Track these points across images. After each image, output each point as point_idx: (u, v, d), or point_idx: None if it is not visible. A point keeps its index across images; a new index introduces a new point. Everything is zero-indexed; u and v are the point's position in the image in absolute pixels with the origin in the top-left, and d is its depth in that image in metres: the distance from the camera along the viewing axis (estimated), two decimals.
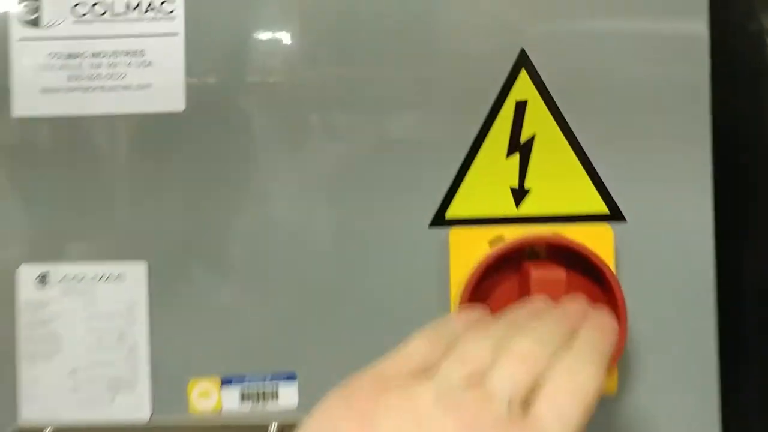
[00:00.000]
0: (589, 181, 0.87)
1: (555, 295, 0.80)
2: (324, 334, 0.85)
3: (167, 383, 0.83)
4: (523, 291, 0.85)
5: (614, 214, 0.88)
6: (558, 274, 0.81)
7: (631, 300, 0.80)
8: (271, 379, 0.82)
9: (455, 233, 0.88)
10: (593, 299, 0.84)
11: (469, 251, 0.88)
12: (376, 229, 0.90)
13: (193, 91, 0.83)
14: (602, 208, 0.87)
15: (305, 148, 0.89)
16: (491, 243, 0.88)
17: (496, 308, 0.86)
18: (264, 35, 0.83)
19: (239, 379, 0.81)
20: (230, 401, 0.80)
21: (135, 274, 0.85)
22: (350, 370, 0.55)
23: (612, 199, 0.86)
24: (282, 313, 0.84)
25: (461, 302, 0.83)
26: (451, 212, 0.86)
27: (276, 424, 0.82)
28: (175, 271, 0.88)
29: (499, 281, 0.87)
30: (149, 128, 0.87)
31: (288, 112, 0.86)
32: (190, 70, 0.83)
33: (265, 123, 0.85)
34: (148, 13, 0.82)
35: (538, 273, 0.80)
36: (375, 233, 0.90)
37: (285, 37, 0.82)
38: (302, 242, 0.90)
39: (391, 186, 0.90)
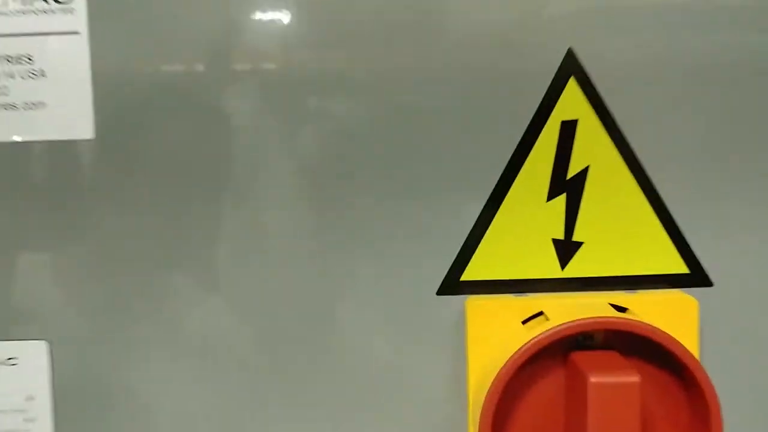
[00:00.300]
0: (664, 231, 0.68)
1: (623, 408, 0.55)
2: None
3: None
4: (573, 394, 0.59)
5: (697, 276, 0.68)
6: (627, 377, 0.55)
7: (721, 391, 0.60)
8: None
9: (474, 304, 0.63)
10: (667, 394, 0.62)
11: (493, 330, 0.64)
12: (364, 296, 0.68)
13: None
14: (681, 268, 0.68)
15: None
16: (527, 322, 0.62)
17: (532, 412, 0.62)
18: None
19: None
20: None
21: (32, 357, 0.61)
22: None
23: (694, 255, 0.68)
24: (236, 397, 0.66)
25: (485, 412, 0.57)
26: (470, 274, 0.67)
27: None
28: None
29: (535, 373, 0.62)
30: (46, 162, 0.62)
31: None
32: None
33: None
34: (38, 2, 0.57)
35: (599, 380, 0.55)
36: (362, 301, 0.68)
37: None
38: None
39: (387, 238, 0.65)
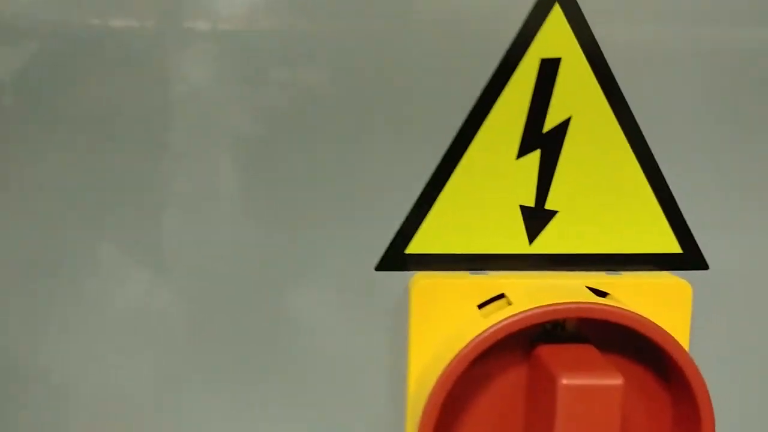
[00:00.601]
0: (656, 202, 0.56)
1: (600, 417, 0.43)
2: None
3: None
4: (537, 397, 0.48)
5: (691, 257, 0.57)
6: (607, 379, 0.44)
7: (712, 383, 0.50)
8: None
9: (420, 283, 0.50)
10: (648, 393, 0.52)
11: (442, 314, 0.52)
12: (295, 270, 0.56)
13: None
14: (673, 247, 0.56)
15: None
16: (485, 306, 0.50)
17: (484, 417, 0.51)
18: None
19: None
20: None
21: None
22: None
23: (689, 233, 0.56)
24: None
25: (426, 417, 0.45)
26: (416, 245, 0.55)
27: None
28: None
29: (490, 369, 0.51)
30: None
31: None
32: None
33: None
34: None
35: (572, 382, 0.43)
36: (293, 274, 0.56)
37: None
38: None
39: (322, 199, 0.54)
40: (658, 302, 0.52)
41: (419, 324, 0.52)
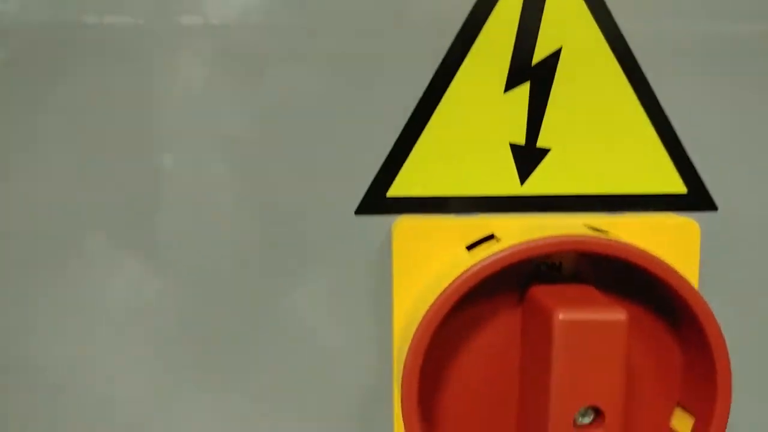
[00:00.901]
0: (657, 137, 0.52)
1: (601, 355, 0.38)
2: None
3: None
4: (532, 339, 0.43)
5: (697, 198, 0.53)
6: (609, 314, 0.39)
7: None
8: None
9: (404, 226, 0.46)
10: (655, 340, 0.48)
11: (426, 258, 0.48)
12: (280, 213, 0.52)
13: None
14: (678, 187, 0.52)
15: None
16: (474, 248, 0.46)
17: (475, 365, 0.45)
18: None
19: None
20: None
21: None
22: None
23: (695, 172, 0.52)
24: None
25: (410, 363, 0.41)
26: (398, 188, 0.51)
27: None
28: None
29: (481, 314, 0.45)
30: None
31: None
32: None
33: None
34: None
35: (569, 317, 0.38)
36: (278, 217, 0.52)
37: None
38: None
39: (300, 135, 0.49)
40: (664, 243, 0.48)
41: (402, 269, 0.48)
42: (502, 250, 0.42)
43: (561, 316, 0.39)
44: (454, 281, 0.42)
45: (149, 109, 0.50)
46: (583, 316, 0.40)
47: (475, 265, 0.42)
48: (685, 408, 0.47)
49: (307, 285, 0.51)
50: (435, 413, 0.47)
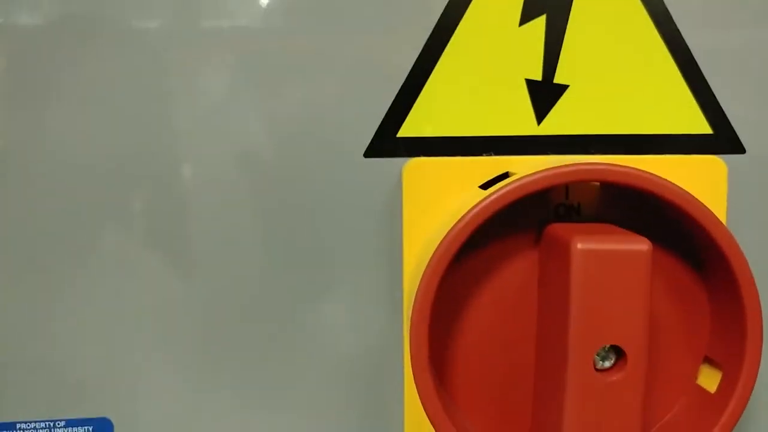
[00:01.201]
0: (680, 74, 0.49)
1: (627, 307, 0.36)
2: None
3: None
4: (550, 276, 0.41)
5: (724, 139, 0.50)
6: (631, 244, 0.37)
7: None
8: (67, 427, 0.50)
9: (415, 167, 0.43)
10: (684, 296, 0.44)
11: (438, 200, 0.45)
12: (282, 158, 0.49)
13: None
14: (703, 127, 0.49)
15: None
16: (488, 187, 0.44)
17: (491, 307, 0.42)
18: None
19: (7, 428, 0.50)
20: None
21: None
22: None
23: (722, 112, 0.49)
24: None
25: (419, 303, 0.39)
26: (409, 128, 0.48)
27: None
28: None
29: (496, 256, 0.42)
30: None
31: None
32: None
33: None
34: None
35: (588, 247, 0.36)
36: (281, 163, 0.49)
37: None
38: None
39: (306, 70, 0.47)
40: (689, 184, 0.44)
41: (412, 212, 0.45)
42: (515, 181, 0.40)
43: (579, 245, 0.37)
44: (464, 216, 0.40)
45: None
46: (603, 245, 0.37)
47: (486, 197, 0.40)
48: (713, 362, 0.44)
49: (318, 233, 0.49)
50: (447, 363, 0.45)
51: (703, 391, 0.43)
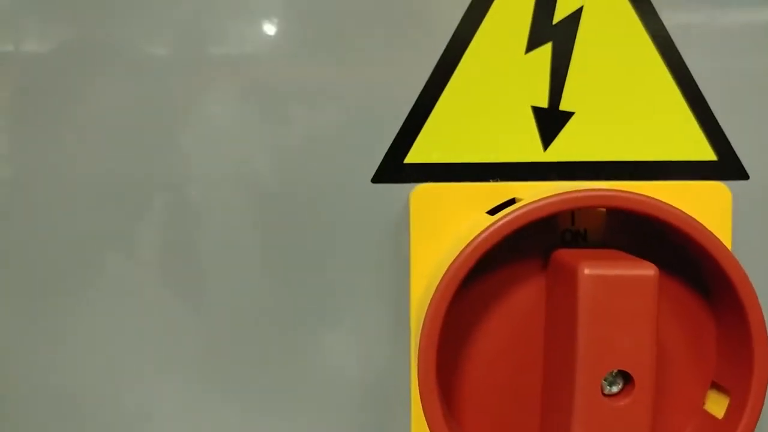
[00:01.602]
0: (684, 101, 0.50)
1: (631, 312, 0.36)
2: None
3: None
4: (557, 302, 0.41)
5: (728, 166, 0.50)
6: (638, 270, 0.37)
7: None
8: None
9: (422, 193, 0.43)
10: (690, 321, 0.45)
11: (446, 226, 0.46)
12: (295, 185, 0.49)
13: None
14: (708, 154, 0.50)
15: None
16: (496, 213, 0.44)
17: (498, 334, 0.43)
18: None
19: None
20: None
21: None
22: None
23: (725, 138, 0.50)
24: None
25: (429, 323, 0.39)
26: (416, 154, 0.49)
27: None
28: None
29: (504, 284, 0.43)
30: None
31: None
32: None
33: None
34: None
35: (595, 272, 0.36)
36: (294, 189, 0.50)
37: None
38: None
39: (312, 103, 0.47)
40: (694, 210, 0.45)
41: (420, 238, 0.45)
42: (522, 207, 0.40)
43: (586, 270, 0.37)
44: (472, 241, 0.40)
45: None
46: (610, 271, 0.37)
47: (494, 223, 0.40)
48: (720, 387, 0.44)
49: (325, 258, 0.49)
50: (455, 388, 0.45)
51: (710, 417, 0.43)
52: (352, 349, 0.50)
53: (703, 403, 0.44)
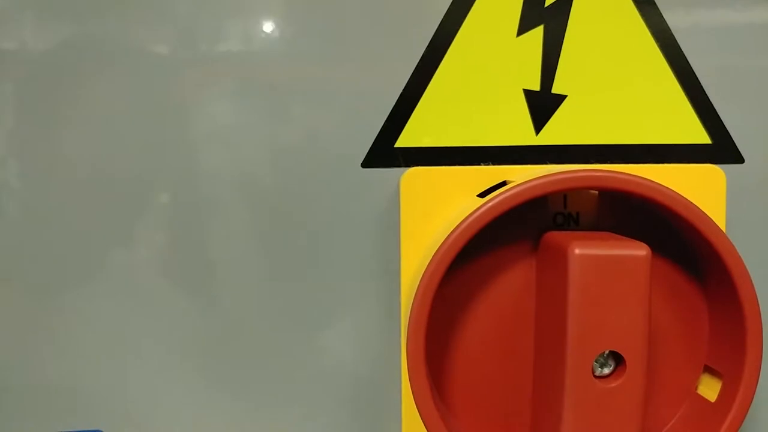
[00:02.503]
0: (677, 84, 0.49)
1: (623, 291, 0.35)
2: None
3: None
4: (547, 284, 0.41)
5: (723, 149, 0.50)
6: (630, 250, 0.37)
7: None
8: None
9: (413, 177, 0.43)
10: (682, 303, 0.44)
11: (436, 209, 0.45)
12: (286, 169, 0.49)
13: None
14: (702, 137, 0.49)
15: None
16: (486, 195, 0.44)
17: (487, 318, 0.42)
18: None
19: None
20: None
21: None
22: None
23: (719, 120, 0.49)
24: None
25: (417, 306, 0.39)
26: (407, 138, 0.49)
27: None
28: None
29: (495, 268, 0.43)
30: None
31: None
32: None
33: None
34: None
35: (586, 252, 0.36)
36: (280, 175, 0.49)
37: None
38: None
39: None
40: (688, 192, 0.44)
41: (410, 222, 0.45)
42: (512, 188, 0.40)
43: (577, 250, 0.37)
44: (461, 223, 0.40)
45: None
46: (601, 251, 0.37)
47: (483, 205, 0.40)
48: (713, 370, 0.44)
49: (317, 244, 0.49)
50: (445, 372, 0.44)
51: (703, 401, 0.43)
52: (343, 333, 0.49)
53: (696, 387, 0.44)
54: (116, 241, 0.49)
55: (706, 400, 0.43)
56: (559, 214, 0.45)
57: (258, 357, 0.49)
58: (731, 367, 0.41)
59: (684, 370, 0.44)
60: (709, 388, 0.43)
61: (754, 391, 0.41)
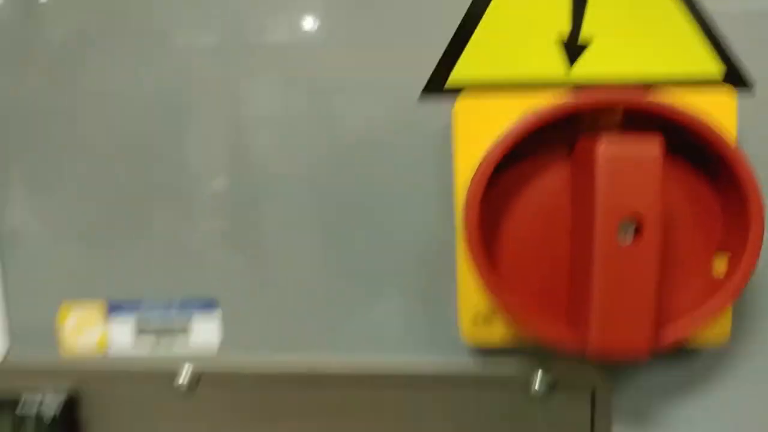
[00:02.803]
0: (695, 24, 0.56)
1: (642, 187, 0.44)
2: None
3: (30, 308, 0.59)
4: (582, 182, 0.48)
5: (734, 79, 0.56)
6: (648, 148, 0.44)
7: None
8: (181, 308, 0.59)
9: (466, 105, 0.52)
10: (698, 199, 0.51)
11: (487, 134, 0.52)
12: (339, 100, 0.58)
13: None
14: (714, 69, 0.56)
15: None
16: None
17: (530, 210, 0.50)
18: None
19: (133, 306, 0.59)
20: (121, 336, 0.60)
21: None
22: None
23: (730, 54, 0.55)
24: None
25: (471, 197, 0.47)
26: (458, 75, 0.57)
27: (190, 367, 0.59)
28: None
29: (534, 169, 0.50)
30: None
31: None
32: None
33: None
34: None
35: (611, 148, 0.44)
36: (336, 105, 0.58)
37: None
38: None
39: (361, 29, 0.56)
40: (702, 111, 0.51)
41: (464, 146, 0.53)
42: (553, 104, 0.48)
43: (604, 143, 0.45)
44: (504, 132, 0.48)
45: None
46: (623, 143, 0.45)
47: (526, 116, 0.48)
48: (724, 251, 0.51)
49: (374, 176, 0.58)
50: (495, 255, 0.52)
51: (715, 278, 0.50)
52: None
53: (711, 269, 0.51)
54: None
55: (718, 278, 0.50)
56: (590, 123, 0.52)
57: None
58: (737, 244, 0.48)
59: (700, 254, 0.51)
60: (721, 264, 0.51)
61: (755, 263, 0.48)
